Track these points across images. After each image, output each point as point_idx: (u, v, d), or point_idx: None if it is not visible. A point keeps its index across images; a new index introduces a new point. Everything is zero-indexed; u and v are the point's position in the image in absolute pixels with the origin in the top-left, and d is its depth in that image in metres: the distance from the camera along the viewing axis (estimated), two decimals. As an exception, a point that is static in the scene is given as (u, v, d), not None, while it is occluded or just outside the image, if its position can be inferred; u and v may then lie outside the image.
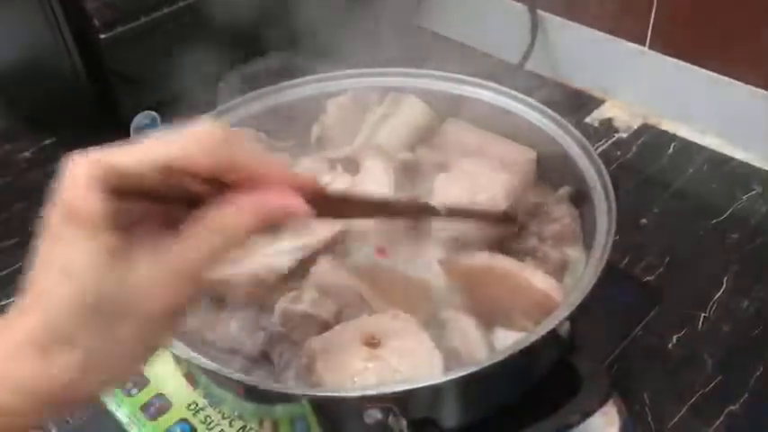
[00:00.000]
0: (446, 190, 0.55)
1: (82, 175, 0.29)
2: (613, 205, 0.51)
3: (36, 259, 0.32)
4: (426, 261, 0.54)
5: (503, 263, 0.51)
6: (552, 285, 0.48)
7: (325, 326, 0.49)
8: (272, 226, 0.32)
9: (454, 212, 0.49)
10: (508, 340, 0.49)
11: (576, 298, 0.45)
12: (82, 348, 0.30)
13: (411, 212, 0.48)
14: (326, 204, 0.35)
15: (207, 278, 0.32)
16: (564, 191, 0.56)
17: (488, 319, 0.50)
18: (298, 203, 0.32)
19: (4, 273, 0.72)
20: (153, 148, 0.30)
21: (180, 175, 0.30)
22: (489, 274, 0.51)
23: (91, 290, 0.29)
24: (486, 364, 0.42)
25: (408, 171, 0.59)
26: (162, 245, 0.31)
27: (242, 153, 0.31)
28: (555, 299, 0.47)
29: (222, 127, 0.31)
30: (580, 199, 0.56)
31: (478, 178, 0.55)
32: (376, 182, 0.56)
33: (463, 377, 0.41)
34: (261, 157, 0.33)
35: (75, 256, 0.30)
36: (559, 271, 0.52)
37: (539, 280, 0.48)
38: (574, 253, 0.53)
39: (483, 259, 0.51)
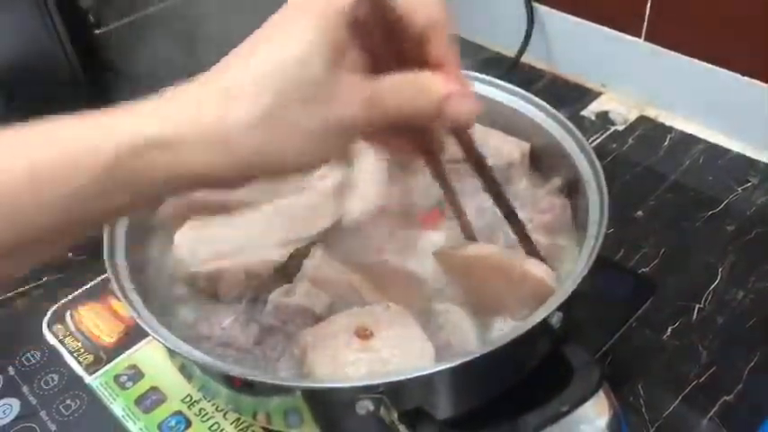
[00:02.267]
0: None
1: None
2: (606, 197, 0.51)
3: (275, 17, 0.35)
4: (420, 253, 0.55)
5: (496, 252, 0.51)
6: (546, 272, 0.48)
7: (318, 318, 0.50)
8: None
9: (522, 236, 0.50)
10: (501, 332, 0.49)
11: (568, 288, 0.45)
12: (262, 108, 0.33)
13: (499, 197, 0.49)
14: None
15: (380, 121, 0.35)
16: (556, 181, 0.56)
17: (484, 308, 0.51)
18: (475, 103, 0.36)
19: (2, 268, 0.72)
20: None
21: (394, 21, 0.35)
22: (483, 265, 0.51)
23: (299, 60, 0.33)
24: (477, 354, 0.42)
25: (401, 163, 0.59)
26: (365, 78, 0.35)
27: (441, 35, 0.37)
28: (550, 285, 0.47)
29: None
30: (572, 190, 0.56)
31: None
32: (369, 173, 0.56)
33: (454, 367, 0.41)
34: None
35: (302, 33, 0.33)
36: (551, 260, 0.52)
37: (533, 267, 0.48)
38: (564, 242, 0.53)
39: (476, 250, 0.51)
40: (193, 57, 0.76)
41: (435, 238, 0.55)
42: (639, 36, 0.84)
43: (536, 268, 0.49)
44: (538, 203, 0.55)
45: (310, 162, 0.36)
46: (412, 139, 0.45)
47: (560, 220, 0.54)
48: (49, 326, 0.64)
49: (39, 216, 0.32)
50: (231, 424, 0.55)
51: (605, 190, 0.52)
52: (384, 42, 0.35)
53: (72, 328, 0.64)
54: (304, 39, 0.33)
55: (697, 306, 0.64)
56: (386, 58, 0.36)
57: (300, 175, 0.41)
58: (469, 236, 0.53)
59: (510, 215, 0.49)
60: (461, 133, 0.44)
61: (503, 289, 0.50)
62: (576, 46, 0.91)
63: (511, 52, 0.94)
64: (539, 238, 0.52)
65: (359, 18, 0.34)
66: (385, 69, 0.35)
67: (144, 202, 0.35)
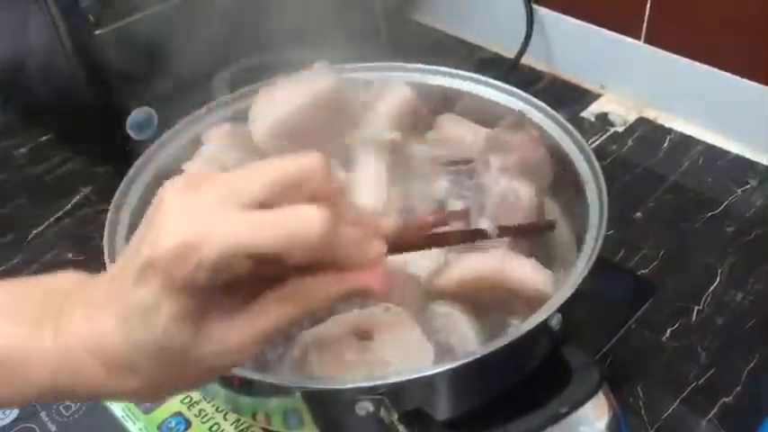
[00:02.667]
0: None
1: (199, 252, 0.28)
2: (605, 198, 0.51)
3: (125, 260, 0.32)
4: (419, 255, 0.55)
5: (486, 269, 0.49)
6: (542, 276, 0.48)
7: (318, 319, 0.50)
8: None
9: (505, 232, 0.50)
10: (500, 333, 0.49)
11: (567, 290, 0.45)
12: (143, 376, 0.32)
13: (465, 239, 0.49)
14: (397, 244, 0.36)
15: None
16: (515, 116, 0.57)
17: (486, 314, 0.51)
18: (378, 282, 0.32)
19: (1, 269, 0.72)
20: (254, 238, 0.28)
21: (271, 265, 0.29)
22: (479, 284, 0.50)
23: (161, 342, 0.30)
24: (477, 355, 0.42)
25: (401, 165, 0.59)
26: (239, 311, 0.31)
27: (342, 248, 0.31)
28: (546, 292, 0.47)
29: (331, 219, 0.29)
30: (569, 191, 0.56)
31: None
32: (370, 177, 0.56)
33: (454, 369, 0.41)
34: (359, 240, 0.32)
35: (153, 310, 0.30)
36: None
37: (527, 275, 0.48)
38: (523, 188, 0.53)
39: (469, 272, 0.50)
40: (193, 57, 0.76)
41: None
42: (639, 38, 0.84)
43: (531, 276, 0.48)
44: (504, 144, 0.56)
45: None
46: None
47: (522, 161, 0.55)
48: (48, 326, 0.64)
49: None
50: (231, 425, 0.55)
51: (605, 191, 0.52)
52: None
53: (72, 328, 0.64)
54: (158, 312, 0.30)
55: (696, 307, 0.64)
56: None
57: None
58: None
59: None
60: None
61: (503, 298, 0.50)
62: (575, 47, 0.91)
63: (510, 53, 0.94)
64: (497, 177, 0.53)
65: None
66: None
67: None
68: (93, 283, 0.35)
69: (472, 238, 0.50)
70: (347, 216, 0.32)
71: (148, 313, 0.30)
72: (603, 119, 0.87)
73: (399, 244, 0.37)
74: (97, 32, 0.77)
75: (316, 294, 0.31)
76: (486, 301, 0.50)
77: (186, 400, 0.57)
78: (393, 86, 0.62)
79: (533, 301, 0.47)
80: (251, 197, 0.29)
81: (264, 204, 0.29)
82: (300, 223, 0.29)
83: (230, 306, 0.31)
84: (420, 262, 0.53)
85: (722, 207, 0.74)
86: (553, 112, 0.60)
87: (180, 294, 0.29)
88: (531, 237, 0.54)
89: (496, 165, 0.55)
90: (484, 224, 0.51)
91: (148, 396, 0.34)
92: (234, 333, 0.31)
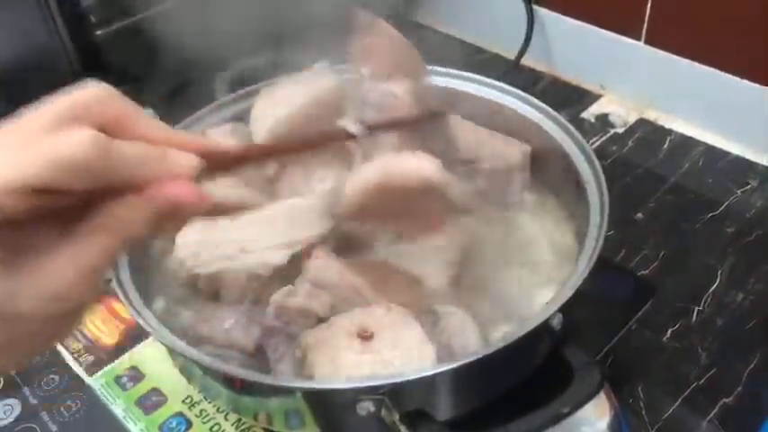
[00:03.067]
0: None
1: None
2: (606, 199, 0.52)
3: None
4: (421, 255, 0.55)
5: (374, 171, 0.47)
6: (426, 165, 0.46)
7: (319, 319, 0.50)
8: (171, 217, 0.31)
9: (376, 128, 0.46)
10: (502, 333, 0.49)
11: (568, 290, 0.45)
12: None
13: (328, 141, 0.47)
14: (234, 160, 0.35)
15: (102, 278, 0.30)
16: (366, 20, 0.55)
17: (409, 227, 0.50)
18: (186, 193, 0.31)
19: None
20: (15, 170, 0.27)
21: (46, 197, 0.28)
22: (374, 193, 0.48)
23: None
24: (479, 355, 0.42)
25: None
26: (53, 251, 0.29)
27: (130, 166, 0.29)
28: (433, 179, 0.45)
29: (91, 124, 0.28)
30: (571, 191, 0.56)
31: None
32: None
33: (455, 369, 0.41)
34: (145, 147, 0.30)
35: None
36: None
37: (412, 165, 0.46)
38: (397, 87, 0.52)
39: (358, 184, 0.48)
40: (194, 58, 0.76)
41: (436, 239, 0.55)
42: (639, 38, 0.84)
43: (415, 165, 0.46)
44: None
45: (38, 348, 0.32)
46: None
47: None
48: (49, 327, 0.64)
49: None
50: (232, 425, 0.55)
51: (605, 192, 0.52)
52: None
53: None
54: None
55: (697, 308, 0.64)
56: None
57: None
58: None
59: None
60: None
61: (407, 201, 0.48)
62: (575, 48, 0.91)
63: (511, 54, 0.94)
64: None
65: None
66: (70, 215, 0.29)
67: None
68: None
69: (337, 139, 0.47)
70: (143, 135, 0.31)
71: None
72: (604, 120, 0.87)
73: (247, 157, 0.36)
74: (98, 33, 0.77)
75: (125, 218, 0.30)
76: (398, 212, 0.48)
77: (187, 401, 0.57)
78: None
79: (432, 196, 0.45)
80: (31, 132, 0.28)
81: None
82: (63, 147, 0.27)
83: (41, 247, 0.29)
84: (423, 264, 0.54)
85: (722, 208, 0.74)
86: (554, 112, 0.60)
87: None
88: (409, 128, 0.50)
89: (367, 73, 0.53)
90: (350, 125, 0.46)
91: None
92: (53, 274, 0.29)
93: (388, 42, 0.54)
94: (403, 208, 0.48)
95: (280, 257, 0.53)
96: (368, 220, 0.49)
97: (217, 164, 0.33)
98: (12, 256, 0.28)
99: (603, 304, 0.62)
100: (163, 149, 0.31)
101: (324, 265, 0.52)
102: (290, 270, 0.54)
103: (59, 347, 0.62)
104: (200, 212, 0.32)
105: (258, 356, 0.50)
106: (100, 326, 0.64)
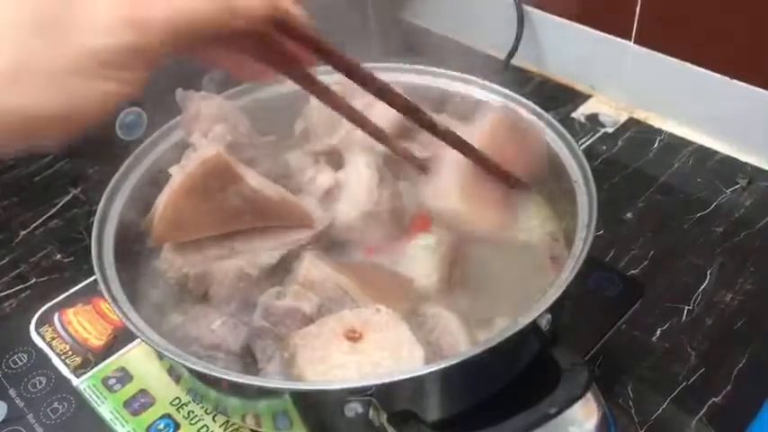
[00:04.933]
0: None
1: None
2: (595, 199, 0.52)
3: None
4: (409, 256, 0.55)
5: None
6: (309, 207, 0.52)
7: (308, 320, 0.49)
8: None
9: (479, 159, 0.49)
10: (490, 334, 0.49)
11: (557, 290, 0.45)
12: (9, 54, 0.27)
13: (434, 130, 0.49)
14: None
15: (153, 45, 0.29)
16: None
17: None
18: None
19: (-10, 269, 0.71)
20: None
21: None
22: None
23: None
24: (467, 356, 0.42)
25: (392, 165, 0.59)
26: None
27: None
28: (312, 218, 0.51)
29: None
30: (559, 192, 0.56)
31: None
32: (358, 176, 0.56)
33: (443, 369, 0.41)
34: None
35: None
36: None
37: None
38: None
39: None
40: (182, 58, 0.76)
41: (425, 241, 0.55)
42: (629, 39, 0.84)
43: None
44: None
45: (77, 106, 0.30)
46: (251, 50, 0.38)
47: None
48: (36, 328, 0.64)
49: None
50: (220, 426, 0.55)
51: (594, 192, 0.52)
52: None
53: (60, 330, 0.63)
54: None
55: (686, 308, 0.64)
56: None
57: (81, 123, 0.31)
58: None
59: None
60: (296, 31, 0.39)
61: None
62: (566, 48, 0.92)
63: (501, 54, 0.94)
64: None
65: None
66: None
67: None
68: None
69: (444, 135, 0.50)
70: None
71: None
72: (594, 120, 0.87)
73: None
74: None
75: None
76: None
77: (175, 402, 0.57)
78: None
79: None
80: None
81: None
82: None
83: None
84: (411, 264, 0.54)
85: (712, 207, 0.74)
86: (544, 112, 0.60)
87: None
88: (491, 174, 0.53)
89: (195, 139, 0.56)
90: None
91: (26, 86, 0.28)
92: (103, 11, 0.28)
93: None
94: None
95: (269, 258, 0.53)
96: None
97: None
98: None
99: (592, 304, 0.62)
100: None
101: (313, 266, 0.52)
102: (279, 271, 0.53)
103: (46, 349, 0.62)
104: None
105: (246, 357, 0.50)
106: (87, 327, 0.63)
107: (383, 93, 0.47)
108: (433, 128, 0.50)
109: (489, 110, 0.58)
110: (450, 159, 0.55)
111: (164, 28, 0.30)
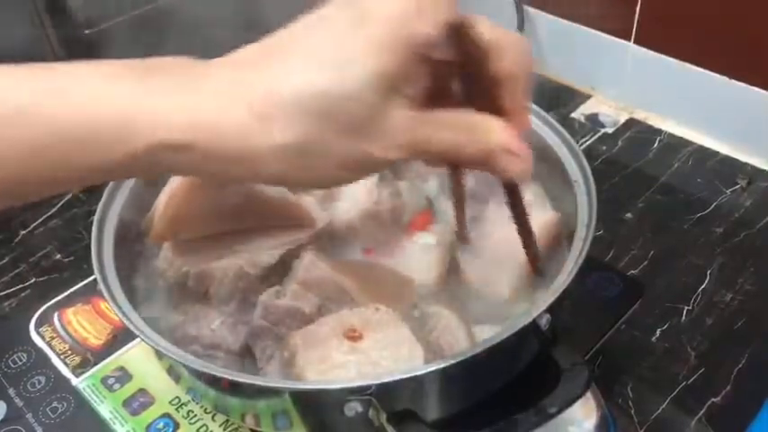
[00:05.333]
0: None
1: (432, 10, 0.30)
2: (594, 199, 0.51)
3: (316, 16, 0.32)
4: (409, 255, 0.55)
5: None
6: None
7: (308, 319, 0.49)
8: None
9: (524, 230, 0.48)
10: (490, 334, 0.49)
11: (556, 290, 0.45)
12: (300, 133, 0.30)
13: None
14: None
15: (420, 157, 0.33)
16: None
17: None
18: (529, 160, 0.34)
19: (-11, 269, 0.71)
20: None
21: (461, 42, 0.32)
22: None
23: (359, 98, 0.29)
24: (466, 355, 0.42)
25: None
26: (424, 108, 0.31)
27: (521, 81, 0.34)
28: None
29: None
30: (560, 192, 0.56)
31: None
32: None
33: (443, 369, 0.41)
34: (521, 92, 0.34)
35: (362, 56, 0.29)
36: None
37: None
38: None
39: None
40: (183, 55, 0.76)
41: (424, 239, 0.55)
42: (629, 39, 0.84)
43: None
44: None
45: (329, 184, 0.35)
46: None
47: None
48: (36, 327, 0.64)
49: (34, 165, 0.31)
50: (219, 426, 0.55)
51: (594, 192, 0.52)
52: (455, 77, 0.33)
53: (59, 329, 0.63)
54: (361, 65, 0.29)
55: (686, 308, 0.64)
56: (449, 90, 0.33)
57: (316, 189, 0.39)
58: (462, 237, 0.53)
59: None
60: (511, 187, 0.42)
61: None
62: (565, 49, 0.92)
63: (501, 54, 0.94)
64: None
65: (433, 54, 0.31)
66: (443, 100, 0.32)
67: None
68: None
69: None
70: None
71: (353, 54, 0.29)
72: (594, 120, 0.87)
73: None
74: (86, 32, 0.77)
75: (476, 137, 0.32)
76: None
77: (175, 402, 0.57)
78: None
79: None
80: None
81: None
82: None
83: (415, 105, 0.31)
84: (411, 263, 0.53)
85: (711, 208, 0.74)
86: (543, 113, 0.59)
87: (391, 53, 0.29)
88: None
89: None
90: None
91: (294, 167, 0.31)
92: (401, 132, 0.31)
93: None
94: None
95: (269, 257, 0.53)
96: None
97: None
98: (396, 83, 0.30)
99: (592, 304, 0.62)
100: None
101: (312, 265, 0.52)
102: (279, 270, 0.53)
103: (45, 348, 0.62)
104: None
105: (246, 357, 0.50)
106: (87, 327, 0.63)
107: None
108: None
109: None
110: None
111: (437, 154, 0.33)
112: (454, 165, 0.37)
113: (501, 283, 0.52)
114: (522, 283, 0.52)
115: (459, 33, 0.32)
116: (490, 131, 0.33)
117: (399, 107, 0.31)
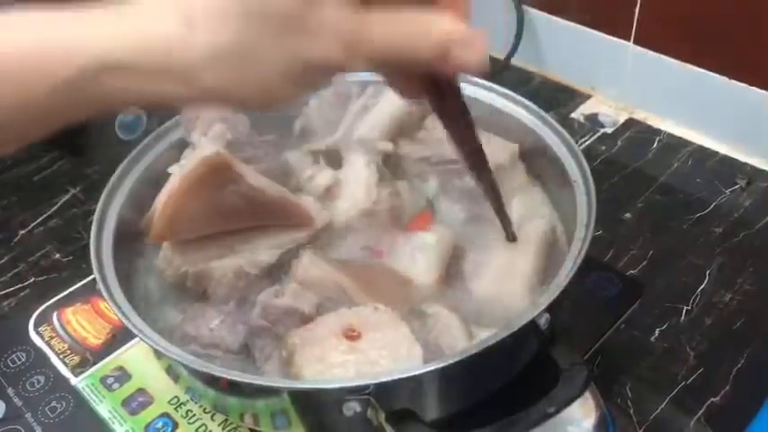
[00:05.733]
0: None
1: None
2: (594, 199, 0.52)
3: None
4: (408, 254, 0.55)
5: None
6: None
7: (307, 319, 0.49)
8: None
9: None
10: (489, 333, 0.49)
11: (555, 290, 0.45)
12: (228, 36, 0.29)
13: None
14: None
15: (361, 64, 0.31)
16: None
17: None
18: (484, 49, 0.32)
19: (-12, 268, 0.71)
20: None
21: None
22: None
23: None
24: (465, 355, 0.42)
25: (391, 164, 0.59)
26: (358, 11, 0.30)
27: None
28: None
29: None
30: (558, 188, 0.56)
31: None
32: (357, 175, 0.56)
33: (442, 369, 0.41)
34: None
35: None
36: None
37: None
38: None
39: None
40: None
41: (424, 239, 0.55)
42: (629, 39, 0.84)
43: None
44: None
45: (276, 98, 0.32)
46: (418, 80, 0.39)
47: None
48: (35, 327, 0.64)
49: None
50: (218, 425, 0.55)
51: (593, 192, 0.52)
52: None
53: (58, 329, 0.63)
54: None
55: (685, 308, 0.64)
56: None
57: (265, 109, 0.35)
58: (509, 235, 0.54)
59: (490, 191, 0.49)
60: (451, 90, 0.40)
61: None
62: (565, 49, 0.92)
63: (501, 54, 0.94)
64: None
65: None
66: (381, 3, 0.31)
67: (99, 114, 0.33)
68: None
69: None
70: None
71: None
72: (593, 120, 0.87)
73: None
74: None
75: (421, 32, 0.31)
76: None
77: (174, 401, 0.57)
78: (387, 93, 0.62)
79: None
80: None
81: None
82: None
83: (349, 4, 0.30)
84: (410, 263, 0.53)
85: (711, 208, 0.74)
86: (543, 113, 0.60)
87: None
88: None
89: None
90: None
91: (229, 67, 0.30)
92: (335, 27, 0.30)
93: None
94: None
95: (268, 256, 0.53)
96: None
97: None
98: None
99: (591, 304, 0.62)
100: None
101: (311, 265, 0.52)
102: (278, 269, 0.54)
103: (44, 348, 0.62)
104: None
105: (244, 356, 0.50)
106: (86, 326, 0.63)
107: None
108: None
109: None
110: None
111: (375, 57, 0.31)
112: (408, 71, 0.34)
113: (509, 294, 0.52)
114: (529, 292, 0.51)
115: None
116: (439, 23, 0.31)
117: (334, 3, 0.30)
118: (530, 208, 0.58)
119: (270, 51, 0.30)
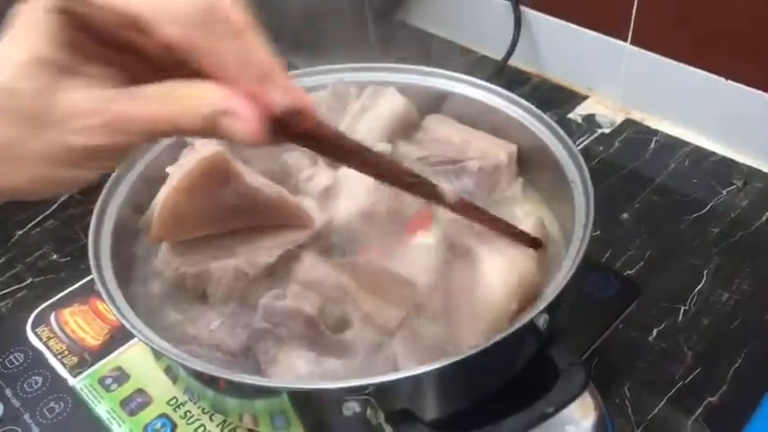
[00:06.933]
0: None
1: None
2: (591, 199, 0.52)
3: None
4: (408, 254, 0.55)
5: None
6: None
7: (309, 321, 0.49)
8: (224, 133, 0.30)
9: (465, 209, 0.46)
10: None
11: (553, 291, 0.45)
12: None
13: (411, 186, 0.44)
14: (313, 137, 0.35)
15: (134, 143, 0.30)
16: None
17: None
18: (254, 119, 0.30)
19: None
20: None
21: (138, 32, 0.28)
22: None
23: (14, 88, 0.28)
24: (464, 355, 0.42)
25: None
26: (111, 87, 0.29)
27: (222, 43, 0.30)
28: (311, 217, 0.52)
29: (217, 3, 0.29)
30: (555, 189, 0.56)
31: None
32: (356, 175, 0.56)
33: (440, 369, 0.41)
34: (245, 56, 0.30)
35: (14, 51, 0.28)
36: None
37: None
38: None
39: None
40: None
41: (424, 239, 0.55)
42: (626, 39, 0.85)
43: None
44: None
45: (55, 184, 0.31)
46: None
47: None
48: (33, 328, 0.64)
49: None
50: (217, 426, 0.55)
51: (591, 192, 0.52)
52: (128, 51, 0.29)
53: (56, 329, 0.63)
54: (9, 53, 0.28)
55: (682, 308, 0.64)
56: (148, 68, 0.29)
57: (49, 195, 0.33)
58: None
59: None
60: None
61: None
62: (562, 49, 0.92)
63: (498, 55, 0.94)
64: None
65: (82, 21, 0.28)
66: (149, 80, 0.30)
67: None
68: None
69: (431, 196, 0.45)
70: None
71: (5, 55, 0.28)
72: (590, 120, 0.87)
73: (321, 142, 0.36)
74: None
75: (201, 98, 0.29)
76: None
77: (172, 402, 0.57)
78: (386, 94, 0.62)
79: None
80: None
81: None
82: None
83: (103, 79, 0.29)
84: (410, 263, 0.53)
85: (708, 208, 0.74)
86: (540, 113, 0.60)
87: (39, 34, 0.28)
88: (493, 229, 0.50)
89: None
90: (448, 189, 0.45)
91: None
92: (84, 113, 0.29)
93: None
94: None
95: (268, 257, 0.53)
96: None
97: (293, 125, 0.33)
98: (64, 65, 0.29)
99: (589, 304, 0.62)
100: (263, 67, 0.31)
101: (312, 266, 0.52)
102: (278, 270, 0.53)
103: (42, 349, 0.62)
104: (255, 143, 0.30)
105: (244, 358, 0.50)
106: (84, 327, 0.63)
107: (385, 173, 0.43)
108: (438, 199, 0.45)
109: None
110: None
111: (145, 131, 0.30)
112: (183, 136, 0.35)
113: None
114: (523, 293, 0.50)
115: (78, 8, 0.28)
116: (208, 94, 0.30)
117: (78, 88, 0.29)
118: (527, 209, 0.58)
119: (29, 144, 0.29)
